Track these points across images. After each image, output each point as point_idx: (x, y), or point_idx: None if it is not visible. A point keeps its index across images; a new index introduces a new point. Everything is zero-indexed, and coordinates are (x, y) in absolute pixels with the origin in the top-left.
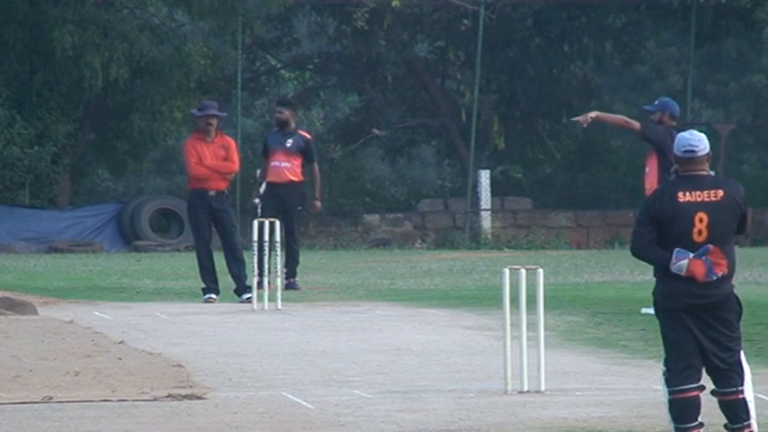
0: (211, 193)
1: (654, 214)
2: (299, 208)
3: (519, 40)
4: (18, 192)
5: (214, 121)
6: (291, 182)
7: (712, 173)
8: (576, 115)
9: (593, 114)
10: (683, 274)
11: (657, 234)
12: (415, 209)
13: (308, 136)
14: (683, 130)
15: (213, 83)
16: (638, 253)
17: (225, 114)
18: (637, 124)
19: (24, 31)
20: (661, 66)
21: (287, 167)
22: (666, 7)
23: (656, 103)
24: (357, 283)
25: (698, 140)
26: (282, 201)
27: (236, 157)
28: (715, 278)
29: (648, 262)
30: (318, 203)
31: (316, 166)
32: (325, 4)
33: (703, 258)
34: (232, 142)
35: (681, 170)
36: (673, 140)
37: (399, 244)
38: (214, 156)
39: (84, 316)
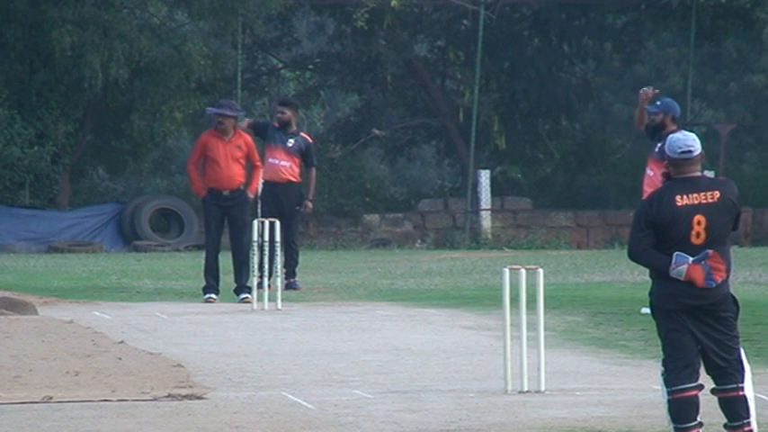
0: (225, 192)
1: (651, 218)
2: (298, 208)
3: (519, 39)
4: (18, 192)
5: (225, 121)
6: (290, 182)
7: (707, 173)
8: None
9: (650, 92)
10: (682, 278)
11: (655, 237)
12: (415, 209)
13: (310, 140)
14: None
15: (213, 83)
16: (636, 257)
17: (239, 113)
18: (645, 120)
19: (24, 30)
20: (661, 66)
21: (285, 167)
22: (666, 7)
23: (659, 104)
24: (357, 283)
25: (692, 140)
26: (281, 202)
27: (256, 155)
28: (714, 285)
29: (647, 266)
30: (310, 204)
31: (314, 170)
32: (325, 4)
33: (702, 263)
34: (251, 141)
35: (674, 172)
36: None
37: (399, 244)
38: (229, 155)
39: (84, 316)
